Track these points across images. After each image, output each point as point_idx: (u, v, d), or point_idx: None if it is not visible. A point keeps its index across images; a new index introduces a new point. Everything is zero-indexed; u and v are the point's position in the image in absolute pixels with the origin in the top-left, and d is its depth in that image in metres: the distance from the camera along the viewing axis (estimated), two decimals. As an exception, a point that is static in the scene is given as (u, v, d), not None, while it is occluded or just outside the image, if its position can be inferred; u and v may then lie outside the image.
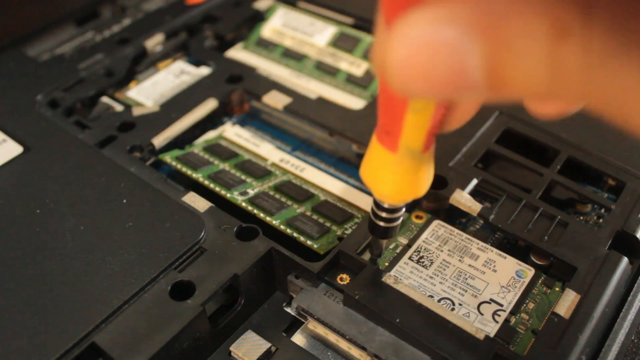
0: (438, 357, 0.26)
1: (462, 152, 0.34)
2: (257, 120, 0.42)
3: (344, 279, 0.28)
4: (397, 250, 0.30)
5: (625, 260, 0.29)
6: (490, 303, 0.28)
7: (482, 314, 0.27)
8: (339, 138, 0.38)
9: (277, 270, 0.30)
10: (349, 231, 0.32)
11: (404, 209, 0.25)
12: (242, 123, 0.41)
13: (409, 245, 0.30)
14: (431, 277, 0.29)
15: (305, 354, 0.28)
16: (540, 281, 0.29)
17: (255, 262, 0.28)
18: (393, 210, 0.25)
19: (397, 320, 0.26)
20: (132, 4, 0.52)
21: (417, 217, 0.32)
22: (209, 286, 0.27)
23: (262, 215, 0.33)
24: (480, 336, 0.25)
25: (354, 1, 0.48)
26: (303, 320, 0.29)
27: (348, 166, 0.38)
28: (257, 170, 0.36)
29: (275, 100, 0.40)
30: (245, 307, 0.29)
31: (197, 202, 0.32)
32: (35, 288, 0.27)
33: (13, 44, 0.46)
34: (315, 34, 0.46)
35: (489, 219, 0.31)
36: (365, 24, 0.46)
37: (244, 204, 0.33)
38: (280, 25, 0.47)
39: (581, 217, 0.34)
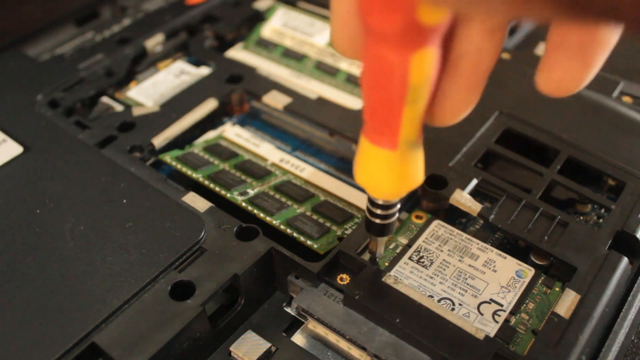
0: (438, 357, 0.26)
1: (462, 152, 0.34)
2: (257, 120, 0.42)
3: (344, 279, 0.28)
4: (397, 250, 0.30)
5: (625, 260, 0.29)
6: (490, 303, 0.28)
7: (482, 314, 0.27)
8: (339, 138, 0.38)
9: (277, 270, 0.30)
10: (349, 231, 0.32)
11: (398, 205, 0.25)
12: (242, 123, 0.41)
13: (409, 245, 0.30)
14: (431, 277, 0.29)
15: (305, 354, 0.28)
16: (540, 281, 0.29)
17: (255, 262, 0.28)
18: (388, 206, 0.25)
19: (397, 320, 0.26)
20: (132, 4, 0.52)
21: (417, 217, 0.32)
22: (209, 286, 0.27)
23: (262, 215, 0.33)
24: (480, 336, 0.25)
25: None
26: (303, 320, 0.29)
27: (348, 166, 0.38)
28: (257, 170, 0.36)
29: (275, 100, 0.40)
30: (245, 307, 0.29)
31: (197, 202, 0.32)
32: (35, 288, 0.27)
33: (13, 44, 0.46)
34: (315, 34, 0.46)
35: (489, 219, 0.31)
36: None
37: (244, 204, 0.33)
38: (280, 25, 0.47)
39: (581, 217, 0.34)
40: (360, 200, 0.34)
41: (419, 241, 0.31)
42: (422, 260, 0.30)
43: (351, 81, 0.42)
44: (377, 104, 0.20)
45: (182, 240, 0.29)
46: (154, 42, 0.46)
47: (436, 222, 0.32)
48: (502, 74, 0.40)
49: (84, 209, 0.31)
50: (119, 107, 0.41)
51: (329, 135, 0.38)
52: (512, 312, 0.28)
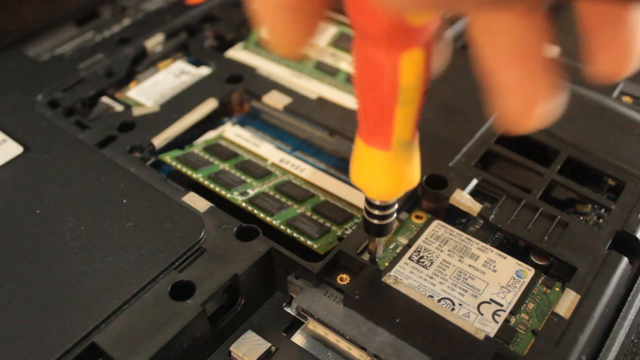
0: (438, 357, 0.26)
1: (462, 152, 0.34)
2: (257, 120, 0.42)
3: (344, 279, 0.28)
4: (397, 250, 0.30)
5: (625, 260, 0.29)
6: (490, 303, 0.28)
7: (482, 314, 0.27)
8: (339, 138, 0.38)
9: (277, 270, 0.30)
10: (349, 231, 0.32)
11: (396, 205, 0.25)
12: (242, 123, 0.41)
13: (409, 245, 0.30)
14: (431, 277, 0.29)
15: (305, 354, 0.28)
16: (540, 281, 0.29)
17: (255, 262, 0.28)
18: (385, 207, 0.25)
19: (397, 320, 0.26)
20: (132, 4, 0.52)
21: (417, 217, 0.32)
22: (209, 286, 0.27)
23: (262, 215, 0.33)
24: (480, 336, 0.25)
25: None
26: (303, 320, 0.29)
27: (348, 166, 0.37)
28: (257, 170, 0.36)
29: (275, 100, 0.40)
30: (245, 307, 0.29)
31: (197, 202, 0.32)
32: (35, 288, 0.27)
33: (13, 44, 0.46)
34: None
35: (489, 219, 0.31)
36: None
37: (244, 204, 0.33)
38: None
39: (581, 217, 0.34)
40: (361, 201, 0.34)
41: (419, 241, 0.31)
42: (422, 260, 0.30)
43: (351, 81, 0.42)
44: (369, 105, 0.20)
45: (182, 240, 0.29)
46: (154, 42, 0.46)
47: (436, 222, 0.32)
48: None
49: (84, 209, 0.31)
50: (119, 107, 0.41)
51: (329, 135, 0.38)
52: (512, 312, 0.28)
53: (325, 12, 0.18)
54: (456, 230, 0.31)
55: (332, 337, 0.28)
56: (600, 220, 0.33)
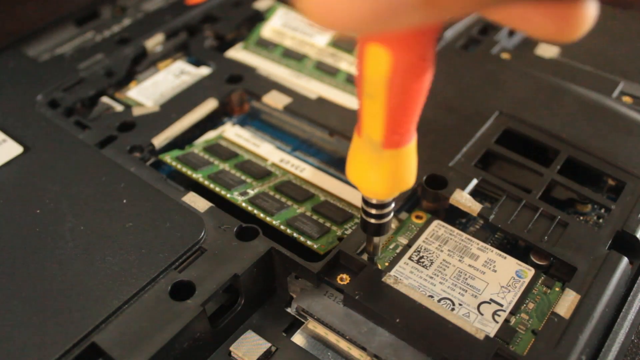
0: (438, 357, 0.26)
1: (462, 152, 0.34)
2: (257, 121, 0.42)
3: (344, 279, 0.28)
4: (397, 250, 0.30)
5: (625, 260, 0.29)
6: (490, 303, 0.28)
7: (482, 314, 0.27)
8: (339, 138, 0.38)
9: (277, 270, 0.30)
10: (349, 231, 0.32)
11: (393, 205, 0.25)
12: (242, 123, 0.41)
13: (409, 245, 0.30)
14: (431, 277, 0.29)
15: (305, 354, 0.28)
16: (540, 281, 0.29)
17: (255, 262, 0.28)
18: (382, 206, 0.25)
19: (397, 320, 0.26)
20: (132, 4, 0.52)
21: (417, 217, 0.32)
22: (209, 286, 0.27)
23: (262, 215, 0.33)
24: (480, 336, 0.25)
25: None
26: (303, 320, 0.29)
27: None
28: (257, 170, 0.36)
29: (275, 100, 0.40)
30: (245, 307, 0.29)
31: (197, 202, 0.32)
32: (35, 288, 0.27)
33: (13, 44, 0.46)
34: (315, 34, 0.46)
35: (489, 219, 0.31)
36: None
37: (244, 204, 0.33)
38: (280, 25, 0.47)
39: (581, 217, 0.34)
40: (360, 201, 0.34)
41: (419, 241, 0.31)
42: (422, 260, 0.30)
43: (351, 81, 0.42)
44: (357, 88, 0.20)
45: (182, 240, 0.29)
46: (154, 42, 0.46)
47: (436, 222, 0.32)
48: (502, 74, 0.40)
49: (84, 209, 0.31)
50: (119, 107, 0.41)
51: (329, 135, 0.38)
52: (512, 312, 0.28)
53: None
54: (456, 230, 0.31)
55: (332, 337, 0.28)
56: (600, 220, 0.33)
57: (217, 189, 0.34)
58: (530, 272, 0.29)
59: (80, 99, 0.41)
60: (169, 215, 0.31)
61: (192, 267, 0.28)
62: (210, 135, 0.39)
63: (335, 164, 0.38)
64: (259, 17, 0.49)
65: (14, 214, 0.31)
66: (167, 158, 0.36)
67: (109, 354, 0.25)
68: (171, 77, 0.44)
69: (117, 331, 0.26)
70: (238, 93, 0.41)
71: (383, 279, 0.28)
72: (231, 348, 0.28)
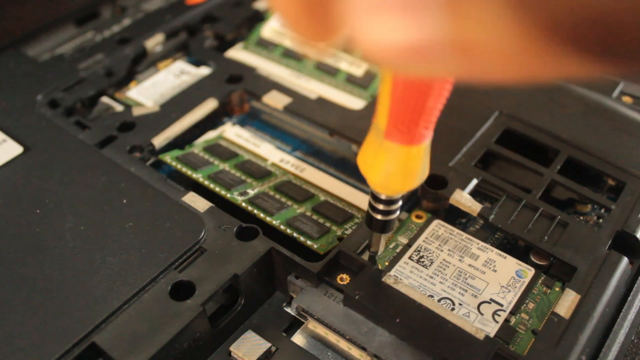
0: (438, 357, 0.26)
1: (462, 152, 0.34)
2: (257, 121, 0.42)
3: (344, 279, 0.28)
4: (397, 250, 0.30)
5: (625, 260, 0.29)
6: (490, 303, 0.28)
7: (482, 314, 0.27)
8: (339, 138, 0.38)
9: (277, 270, 0.30)
10: (349, 231, 0.32)
11: (400, 202, 0.25)
12: (242, 123, 0.41)
13: (409, 245, 0.30)
14: (431, 277, 0.29)
15: (305, 354, 0.28)
16: (540, 281, 0.29)
17: (255, 262, 0.28)
18: (389, 202, 0.25)
19: (397, 320, 0.26)
20: (132, 4, 0.52)
21: (417, 217, 0.32)
22: (209, 286, 0.27)
23: (262, 215, 0.33)
24: (480, 336, 0.25)
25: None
26: (303, 320, 0.29)
27: (348, 166, 0.38)
28: (257, 170, 0.36)
29: (275, 100, 0.40)
30: (245, 307, 0.29)
31: (197, 202, 0.32)
32: (35, 288, 0.27)
33: (13, 44, 0.46)
34: (315, 34, 0.46)
35: (489, 219, 0.31)
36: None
37: (244, 204, 0.33)
38: (280, 25, 0.47)
39: (581, 217, 0.34)
40: (360, 201, 0.34)
41: (419, 241, 0.31)
42: (422, 260, 0.30)
43: (351, 81, 0.42)
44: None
45: (182, 240, 0.29)
46: (154, 42, 0.46)
47: (436, 222, 0.32)
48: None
49: (84, 209, 0.31)
50: (119, 107, 0.41)
51: (329, 135, 0.38)
52: (512, 312, 0.28)
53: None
54: (456, 230, 0.31)
55: (332, 337, 0.28)
56: (600, 220, 0.33)
57: (217, 189, 0.34)
58: (530, 272, 0.29)
59: (80, 99, 0.41)
60: (169, 215, 0.31)
61: (192, 267, 0.28)
62: (210, 135, 0.39)
63: (335, 164, 0.38)
64: (259, 17, 0.49)
65: (14, 214, 0.31)
66: (167, 158, 0.36)
67: (109, 354, 0.25)
68: (171, 77, 0.44)
69: (117, 331, 0.26)
70: (238, 93, 0.41)
71: (383, 279, 0.28)
72: (231, 348, 0.28)
